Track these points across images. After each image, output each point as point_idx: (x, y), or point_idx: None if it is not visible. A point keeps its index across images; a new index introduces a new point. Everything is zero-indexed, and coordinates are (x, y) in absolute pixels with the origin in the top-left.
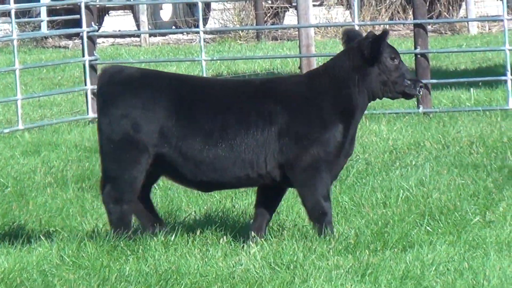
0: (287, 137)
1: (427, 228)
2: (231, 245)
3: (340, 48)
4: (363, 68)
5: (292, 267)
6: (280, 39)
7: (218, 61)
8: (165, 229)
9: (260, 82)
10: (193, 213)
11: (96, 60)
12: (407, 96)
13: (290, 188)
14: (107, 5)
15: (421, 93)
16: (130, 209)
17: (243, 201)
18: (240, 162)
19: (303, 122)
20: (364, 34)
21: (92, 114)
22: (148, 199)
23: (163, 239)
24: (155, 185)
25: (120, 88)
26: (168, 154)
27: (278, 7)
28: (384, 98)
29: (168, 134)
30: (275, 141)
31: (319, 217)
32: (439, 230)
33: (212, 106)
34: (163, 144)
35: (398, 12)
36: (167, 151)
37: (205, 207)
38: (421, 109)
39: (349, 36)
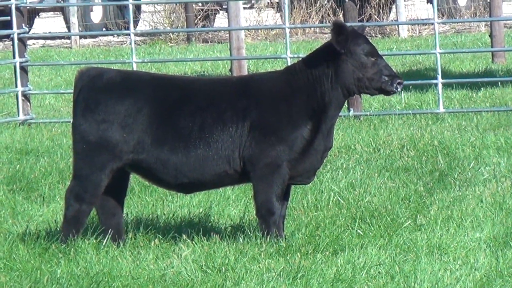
0: (257, 132)
1: (358, 231)
2: (162, 247)
3: (270, 50)
4: (337, 65)
5: (223, 270)
6: (211, 42)
7: (149, 64)
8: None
9: (237, 79)
10: (124, 215)
11: (26, 62)
12: (385, 92)
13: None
14: (37, 7)
15: (399, 89)
16: (87, 211)
17: (174, 203)
18: (218, 159)
19: (274, 119)
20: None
21: (22, 116)
22: (120, 213)
23: (94, 241)
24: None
25: (102, 94)
26: (146, 160)
27: (208, 10)
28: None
29: (147, 141)
30: (247, 135)
31: (266, 214)
32: (370, 233)
33: (191, 106)
34: (141, 151)
35: (329, 15)
36: (145, 157)
37: (136, 210)
38: (351, 112)
39: (337, 29)
